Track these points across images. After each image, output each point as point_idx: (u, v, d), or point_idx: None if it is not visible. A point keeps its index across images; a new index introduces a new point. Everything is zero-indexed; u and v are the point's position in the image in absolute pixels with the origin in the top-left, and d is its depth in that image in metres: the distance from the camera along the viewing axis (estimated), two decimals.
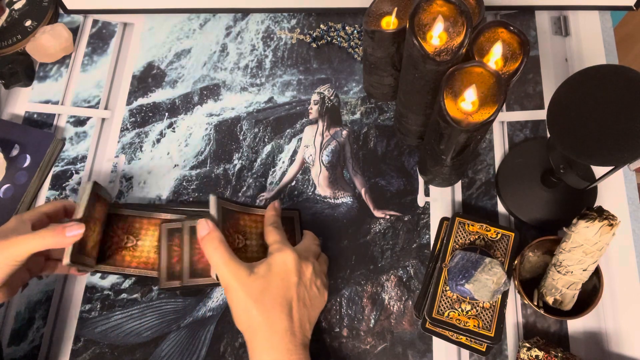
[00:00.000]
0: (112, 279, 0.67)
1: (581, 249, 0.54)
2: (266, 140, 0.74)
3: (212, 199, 0.56)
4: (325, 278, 0.59)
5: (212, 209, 0.56)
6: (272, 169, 0.72)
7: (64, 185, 0.72)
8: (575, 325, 0.62)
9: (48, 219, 0.57)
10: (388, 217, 0.69)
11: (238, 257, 0.53)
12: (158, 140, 0.75)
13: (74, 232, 0.51)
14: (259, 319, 0.50)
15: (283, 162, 0.73)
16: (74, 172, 0.73)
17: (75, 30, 0.82)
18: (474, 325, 0.57)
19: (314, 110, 0.75)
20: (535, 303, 0.59)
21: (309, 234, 0.62)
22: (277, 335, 0.51)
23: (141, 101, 0.77)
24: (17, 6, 0.81)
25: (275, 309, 0.51)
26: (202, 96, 0.77)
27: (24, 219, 0.54)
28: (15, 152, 0.71)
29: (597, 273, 0.58)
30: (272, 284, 0.51)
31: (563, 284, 0.57)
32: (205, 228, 0.53)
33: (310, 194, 0.71)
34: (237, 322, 0.52)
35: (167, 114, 0.76)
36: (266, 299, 0.51)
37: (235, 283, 0.50)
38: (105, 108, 0.77)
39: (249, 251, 0.58)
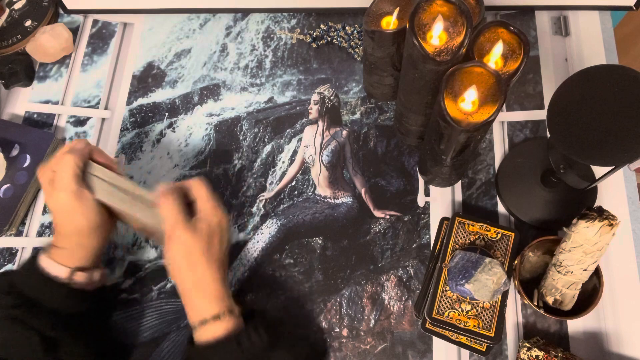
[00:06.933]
0: (111, 279, 0.67)
1: (581, 249, 0.54)
2: (266, 140, 0.74)
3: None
4: None
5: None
6: (272, 169, 0.72)
7: None
8: (575, 325, 0.62)
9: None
10: (388, 217, 0.69)
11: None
12: (158, 140, 0.75)
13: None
14: (189, 272, 0.54)
15: (283, 162, 0.73)
16: None
17: (75, 30, 0.82)
18: (474, 325, 0.57)
19: (314, 110, 0.75)
20: (535, 303, 0.59)
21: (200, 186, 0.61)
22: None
23: (141, 101, 0.77)
24: (17, 6, 0.81)
25: (210, 263, 0.55)
26: (202, 96, 0.77)
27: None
28: (15, 152, 0.71)
29: (597, 273, 0.58)
30: (212, 244, 0.55)
31: (563, 284, 0.57)
32: (166, 186, 0.56)
33: (310, 194, 0.71)
34: (170, 269, 0.56)
35: (167, 114, 0.76)
36: (204, 257, 0.55)
37: (181, 235, 0.54)
38: (105, 108, 0.77)
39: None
